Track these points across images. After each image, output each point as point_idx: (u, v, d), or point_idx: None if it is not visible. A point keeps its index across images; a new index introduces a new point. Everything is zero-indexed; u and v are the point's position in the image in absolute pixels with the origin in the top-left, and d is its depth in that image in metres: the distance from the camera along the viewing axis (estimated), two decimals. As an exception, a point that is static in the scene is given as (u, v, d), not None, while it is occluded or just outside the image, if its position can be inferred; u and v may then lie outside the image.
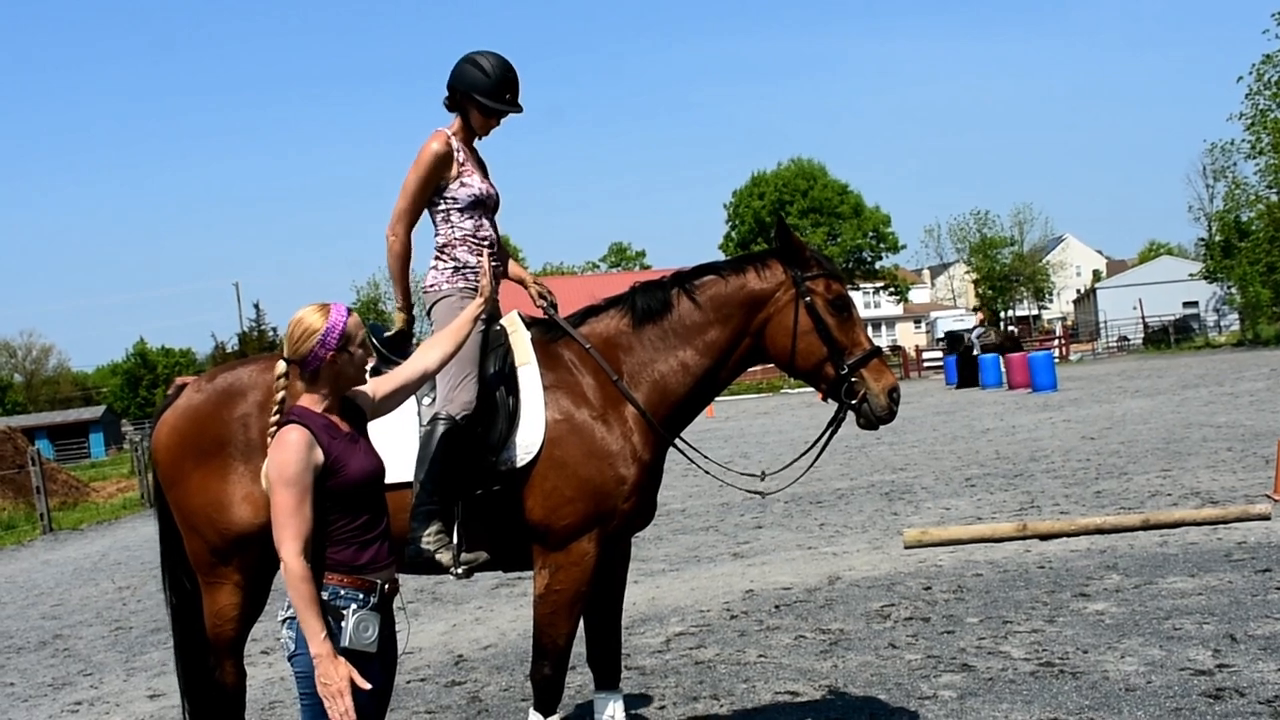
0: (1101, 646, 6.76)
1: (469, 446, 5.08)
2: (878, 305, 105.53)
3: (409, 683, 7.62)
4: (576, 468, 5.12)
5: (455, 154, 5.38)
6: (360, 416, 4.09)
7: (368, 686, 3.68)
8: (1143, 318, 64.60)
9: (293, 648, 3.79)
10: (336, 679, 3.62)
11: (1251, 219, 56.22)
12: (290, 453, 3.71)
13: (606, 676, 5.65)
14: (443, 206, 5.40)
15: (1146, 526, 9.98)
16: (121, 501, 28.07)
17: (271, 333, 73.08)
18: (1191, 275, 67.01)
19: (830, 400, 5.42)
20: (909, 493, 14.22)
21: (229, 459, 5.22)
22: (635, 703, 6.59)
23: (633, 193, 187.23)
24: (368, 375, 5.18)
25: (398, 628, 4.04)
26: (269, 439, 3.85)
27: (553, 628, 5.22)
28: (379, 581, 3.86)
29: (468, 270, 5.38)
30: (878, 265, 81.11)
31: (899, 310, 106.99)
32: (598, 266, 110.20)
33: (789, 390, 51.54)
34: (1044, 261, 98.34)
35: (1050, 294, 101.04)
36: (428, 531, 4.98)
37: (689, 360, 5.36)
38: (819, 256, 5.44)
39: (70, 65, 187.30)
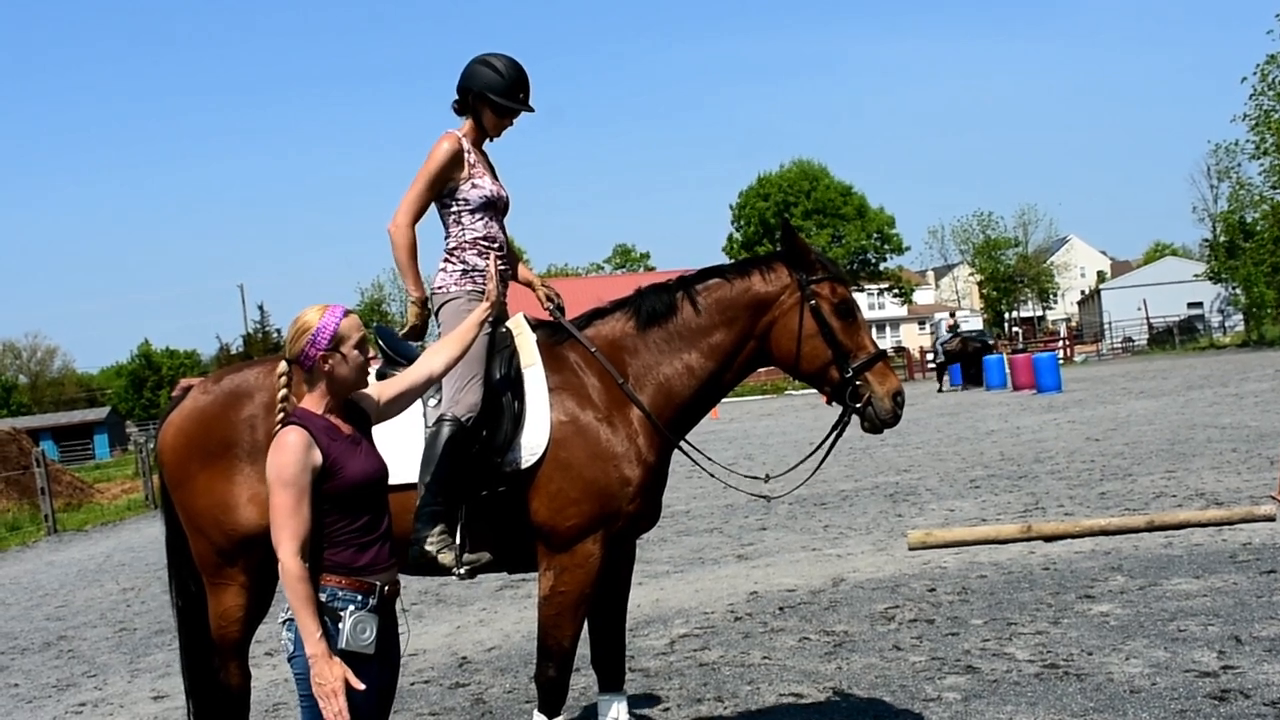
0: (1106, 648, 6.75)
1: (474, 448, 5.08)
2: (882, 307, 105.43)
3: (413, 684, 7.62)
4: (581, 469, 5.13)
5: (466, 155, 5.39)
6: (365, 420, 4.09)
7: (362, 687, 3.69)
8: (1147, 319, 64.61)
9: (291, 649, 3.80)
10: (331, 679, 3.62)
11: (1256, 220, 56.27)
12: (288, 454, 3.72)
13: (611, 678, 5.65)
14: (454, 208, 5.41)
15: (1151, 528, 9.97)
16: (126, 503, 28.08)
17: (276, 334, 73.30)
18: (1196, 276, 67.04)
19: (835, 403, 5.41)
20: (913, 494, 14.22)
21: (235, 460, 5.23)
22: (639, 704, 6.58)
23: (637, 194, 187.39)
24: (374, 378, 5.23)
25: (400, 630, 4.04)
26: (273, 440, 3.86)
27: (557, 629, 5.22)
28: (378, 583, 3.86)
29: (476, 273, 5.38)
30: (882, 267, 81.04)
31: (903, 312, 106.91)
32: (602, 268, 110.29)
33: (793, 392, 51.56)
34: (1048, 263, 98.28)
35: (1055, 295, 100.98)
36: (431, 533, 4.98)
37: (694, 363, 5.36)
38: (824, 259, 5.43)
39: (75, 66, 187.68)
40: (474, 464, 5.09)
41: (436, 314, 5.47)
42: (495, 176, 5.59)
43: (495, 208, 5.51)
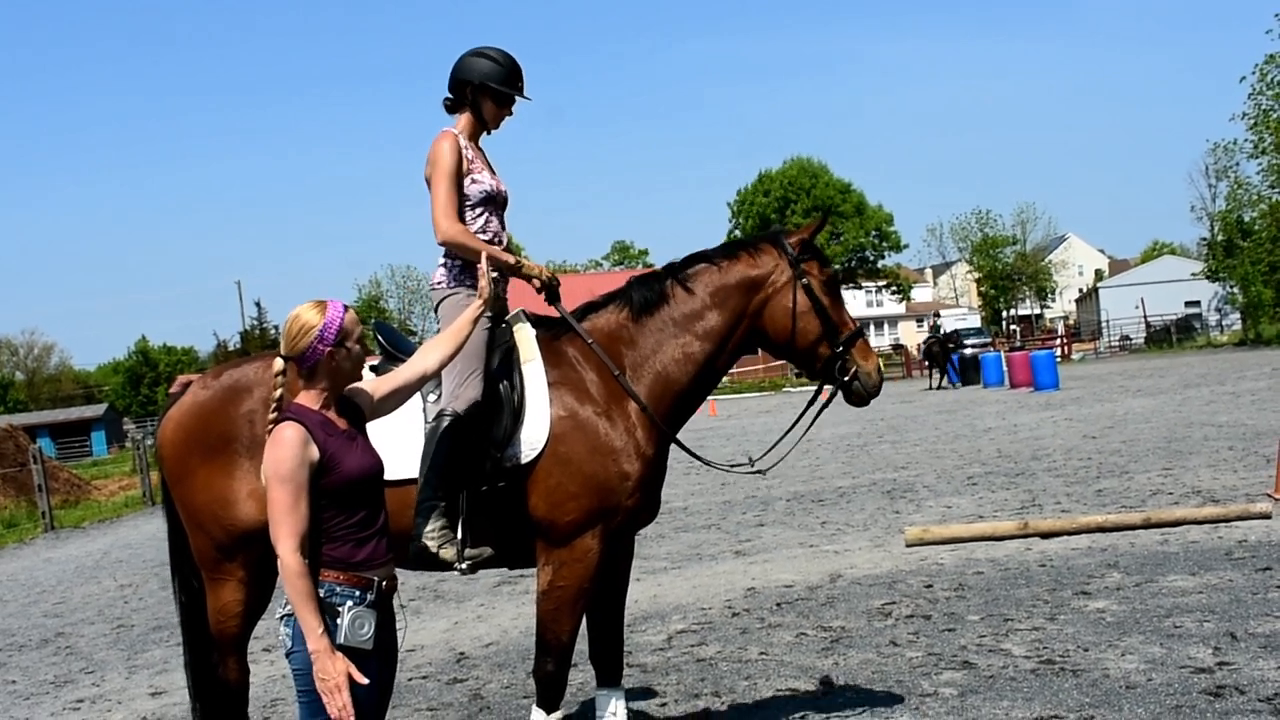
0: (1102, 644, 6.77)
1: (474, 443, 5.09)
2: (880, 304, 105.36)
3: (410, 680, 7.63)
4: (581, 464, 5.14)
5: (464, 151, 5.40)
6: (359, 415, 4.10)
7: (365, 681, 3.69)
8: (1145, 317, 64.61)
9: (290, 645, 3.80)
10: (334, 674, 3.63)
11: (1254, 219, 56.30)
12: (285, 449, 3.72)
13: (608, 673, 5.66)
14: None
15: (1148, 525, 9.99)
16: (123, 500, 28.09)
17: (273, 331, 73.19)
18: (1194, 275, 67.06)
19: (818, 380, 5.63)
20: (911, 491, 14.23)
21: (234, 455, 5.23)
22: (637, 699, 6.59)
23: (635, 192, 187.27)
24: (371, 373, 5.24)
25: (398, 625, 4.05)
26: (269, 436, 3.86)
27: (556, 624, 5.23)
28: (376, 579, 3.86)
29: (474, 269, 5.38)
30: (880, 264, 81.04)
31: (901, 309, 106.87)
32: (600, 265, 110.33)
33: (790, 389, 51.57)
34: (1046, 261, 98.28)
35: (1052, 293, 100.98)
36: (431, 528, 4.99)
37: (690, 347, 5.41)
38: (806, 240, 5.59)
39: (72, 64, 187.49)
40: (474, 459, 5.10)
41: (436, 309, 5.48)
42: (493, 171, 5.59)
43: (495, 203, 5.52)
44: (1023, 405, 26.69)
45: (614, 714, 5.55)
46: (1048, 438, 18.73)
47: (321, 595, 3.76)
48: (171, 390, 5.83)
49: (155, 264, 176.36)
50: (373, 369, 5.32)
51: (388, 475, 4.94)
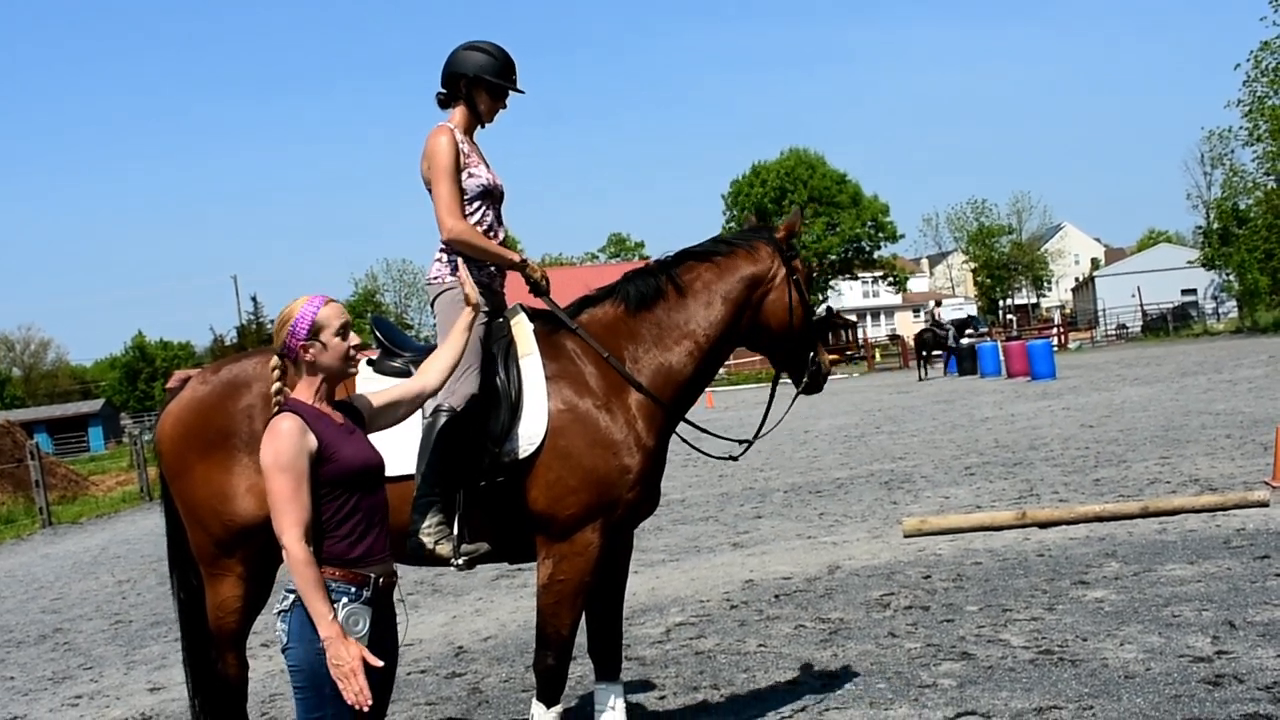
0: (1101, 634, 6.77)
1: (471, 438, 5.08)
2: (876, 295, 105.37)
3: (409, 674, 7.63)
4: (580, 457, 5.14)
5: (460, 145, 5.38)
6: (359, 418, 4.10)
7: (379, 664, 3.70)
8: (1141, 306, 64.66)
9: (285, 640, 3.81)
10: (348, 659, 3.64)
11: (1249, 206, 56.37)
12: (284, 439, 3.73)
13: (607, 667, 5.65)
14: None
15: (1145, 514, 9.99)
16: (121, 495, 28.07)
17: (270, 326, 73.12)
18: (1190, 263, 67.19)
19: (787, 370, 5.84)
20: (908, 481, 14.24)
21: (233, 450, 5.22)
22: (636, 693, 6.59)
23: (631, 183, 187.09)
24: (372, 369, 5.24)
25: (398, 620, 4.04)
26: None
27: (556, 618, 5.23)
28: (373, 575, 3.86)
29: (471, 263, 5.36)
30: (876, 255, 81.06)
31: (898, 300, 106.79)
32: (597, 257, 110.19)
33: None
34: (1042, 250, 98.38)
35: (1049, 282, 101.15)
36: (428, 524, 4.98)
37: (694, 339, 5.45)
38: (791, 236, 5.75)
39: (66, 59, 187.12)
40: (472, 454, 5.09)
41: (432, 305, 5.46)
42: (488, 165, 5.57)
43: (492, 196, 5.50)
44: (1020, 395, 26.69)
45: (613, 708, 5.54)
46: (1045, 427, 18.74)
47: None
48: (169, 386, 5.85)
49: (152, 259, 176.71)
50: (370, 363, 5.33)
51: (389, 471, 4.96)
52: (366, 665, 3.69)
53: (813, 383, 5.84)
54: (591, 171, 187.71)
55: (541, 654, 5.27)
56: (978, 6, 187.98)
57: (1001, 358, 35.73)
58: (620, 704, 5.58)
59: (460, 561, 5.04)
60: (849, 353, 73.05)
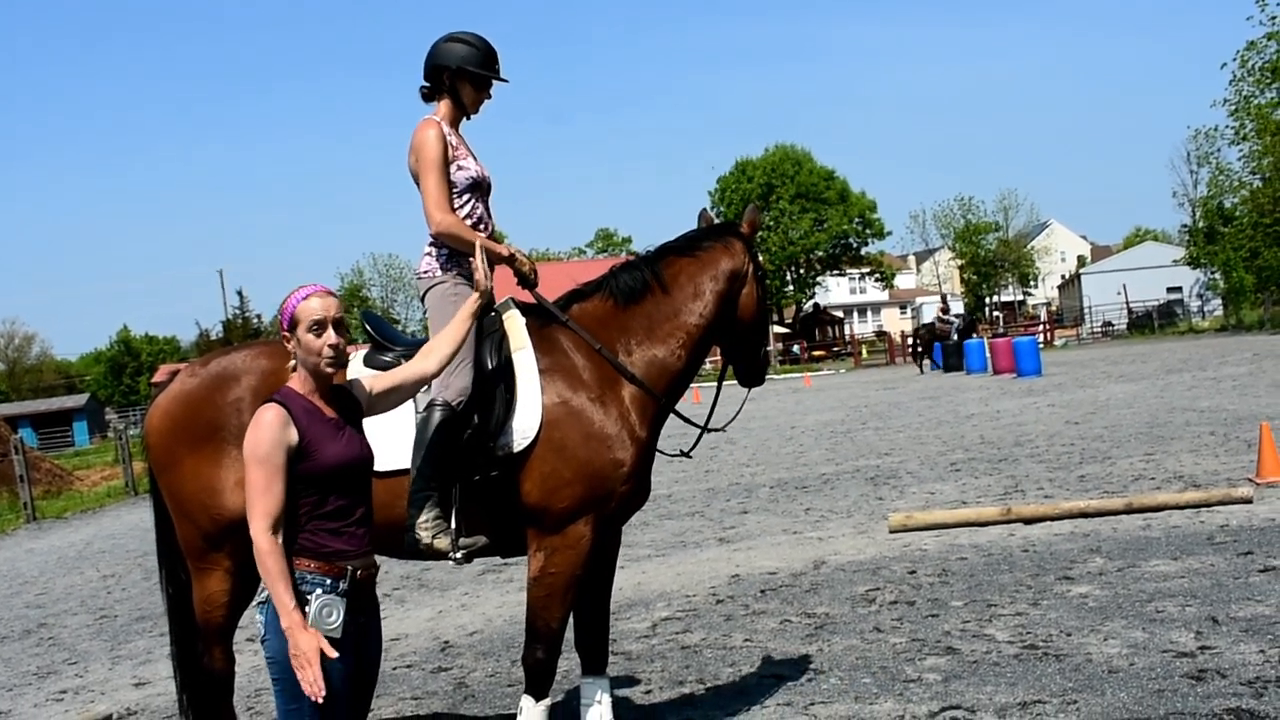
0: (1085, 629, 6.79)
1: (466, 433, 5.09)
2: (863, 291, 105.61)
3: (395, 669, 7.62)
4: (575, 450, 5.15)
5: (448, 137, 5.38)
6: (356, 408, 4.09)
7: (334, 654, 3.69)
8: (1127, 303, 64.90)
9: (263, 632, 3.82)
10: (305, 649, 3.64)
11: (1235, 205, 56.58)
12: (262, 431, 3.75)
13: (594, 661, 5.66)
14: None
15: (1130, 510, 10.03)
16: (106, 490, 27.96)
17: (256, 320, 72.95)
18: (1175, 261, 67.39)
19: (737, 363, 5.89)
20: (894, 477, 14.26)
21: (222, 444, 5.21)
22: (622, 687, 6.60)
23: (619, 179, 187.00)
24: (362, 363, 5.24)
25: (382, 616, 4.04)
26: None
27: (546, 611, 5.23)
28: (350, 568, 3.86)
29: (461, 257, 5.36)
30: (864, 251, 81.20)
31: (885, 296, 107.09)
32: (584, 252, 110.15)
33: (773, 376, 51.61)
34: (1029, 247, 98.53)
35: (1035, 279, 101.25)
36: (425, 518, 4.98)
37: (683, 332, 5.48)
38: (753, 234, 5.83)
39: (51, 53, 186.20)
40: (466, 448, 5.10)
41: (422, 298, 5.45)
42: (476, 158, 5.57)
43: (480, 189, 5.50)
44: (1005, 391, 26.76)
45: (599, 702, 5.55)
46: (1030, 424, 18.79)
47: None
48: (156, 380, 5.84)
49: (137, 253, 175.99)
50: (363, 359, 5.34)
51: (380, 466, 4.96)
52: (333, 661, 3.70)
53: (758, 376, 5.95)
54: (579, 166, 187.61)
55: (531, 647, 5.27)
56: (966, 3, 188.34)
57: (988, 354, 35.82)
58: (606, 698, 5.58)
59: (459, 555, 5.04)
60: (835, 349, 73.19)
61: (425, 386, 5.13)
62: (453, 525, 5.08)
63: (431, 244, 5.41)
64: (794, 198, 76.71)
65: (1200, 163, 64.57)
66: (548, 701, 5.31)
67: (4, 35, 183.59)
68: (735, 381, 6.05)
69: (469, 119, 5.59)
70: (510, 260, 5.41)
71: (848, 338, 75.81)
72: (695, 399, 24.68)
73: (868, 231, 79.76)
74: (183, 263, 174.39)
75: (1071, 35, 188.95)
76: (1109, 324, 65.37)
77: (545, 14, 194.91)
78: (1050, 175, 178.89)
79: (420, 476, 5.00)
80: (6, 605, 12.63)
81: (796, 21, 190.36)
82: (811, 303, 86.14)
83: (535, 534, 5.22)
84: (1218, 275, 59.42)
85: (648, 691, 6.59)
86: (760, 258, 5.76)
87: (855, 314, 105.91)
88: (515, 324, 5.39)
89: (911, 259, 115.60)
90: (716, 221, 5.89)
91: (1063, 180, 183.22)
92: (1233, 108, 50.84)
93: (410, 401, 5.13)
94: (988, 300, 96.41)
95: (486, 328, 5.32)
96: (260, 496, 3.71)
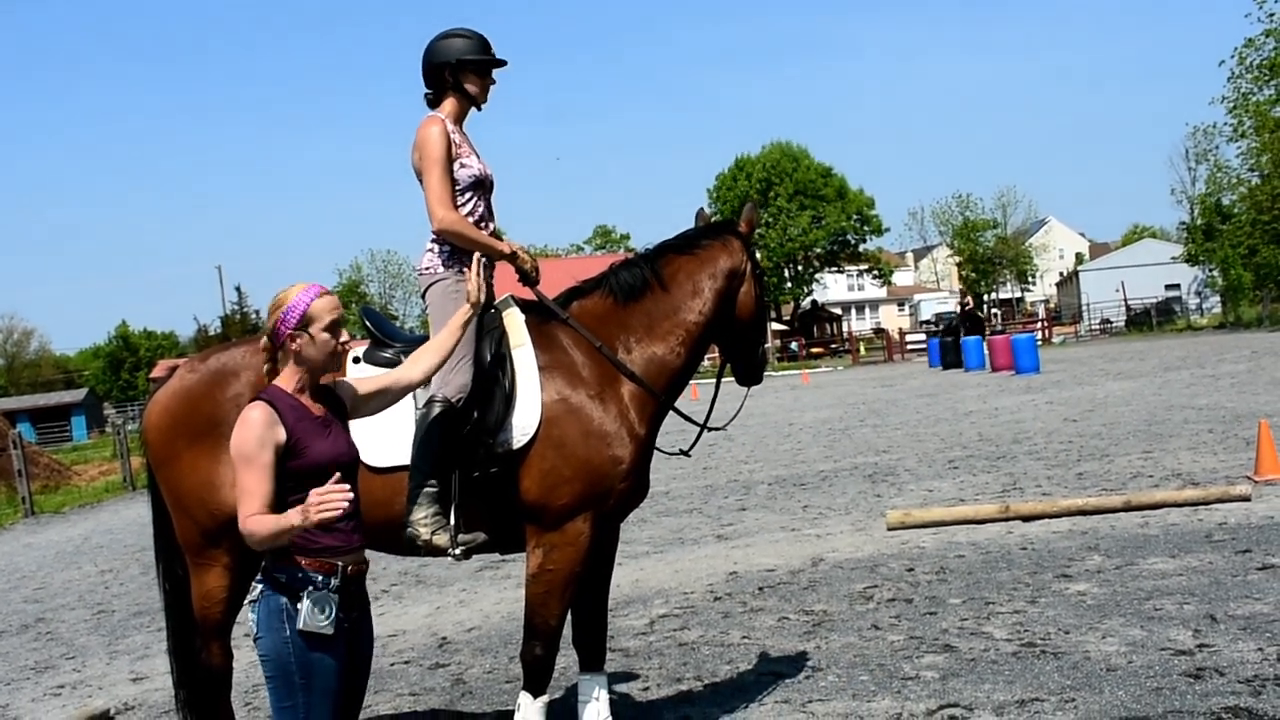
0: (1083, 627, 6.80)
1: (465, 429, 5.09)
2: (861, 288, 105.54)
3: (393, 665, 7.62)
4: (574, 447, 5.15)
5: (452, 135, 5.37)
6: (340, 407, 4.09)
7: (346, 489, 3.66)
8: (1125, 300, 64.90)
9: (256, 630, 3.81)
10: (314, 501, 3.59)
11: (1233, 202, 56.61)
12: (249, 430, 3.75)
13: (591, 658, 5.67)
14: None
15: (1128, 508, 10.03)
16: (104, 485, 27.97)
17: (254, 315, 72.89)
18: (1174, 258, 67.35)
19: (736, 361, 5.90)
20: (892, 475, 14.27)
21: (221, 439, 5.19)
22: (619, 684, 6.60)
23: (617, 175, 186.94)
24: (363, 359, 5.24)
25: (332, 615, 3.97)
26: None
27: (545, 608, 5.23)
28: (340, 564, 3.85)
29: (462, 254, 5.36)
30: (861, 248, 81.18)
31: (883, 293, 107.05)
32: (582, 249, 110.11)
33: (771, 373, 51.61)
34: (1027, 244, 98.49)
35: (1033, 276, 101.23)
36: (423, 515, 4.98)
37: (683, 329, 5.49)
38: (751, 232, 5.84)
39: (50, 50, 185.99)
40: (466, 445, 5.10)
41: (423, 295, 5.44)
42: (479, 155, 5.56)
43: (483, 186, 5.49)
44: (1003, 389, 26.76)
45: (596, 699, 5.55)
46: (1028, 421, 18.79)
47: (283, 580, 3.78)
48: (154, 375, 5.83)
49: (136, 248, 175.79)
50: (363, 355, 5.34)
51: (380, 462, 4.97)
52: (325, 657, 3.75)
53: (756, 374, 5.96)
54: (578, 163, 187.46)
55: (529, 644, 5.27)
56: (963, 1, 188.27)
57: (986, 351, 35.80)
58: (604, 695, 5.59)
59: (458, 552, 5.04)
60: (833, 346, 73.19)
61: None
62: (451, 521, 5.07)
63: (433, 241, 5.40)
64: (792, 195, 76.68)
65: (1199, 160, 64.73)
66: (546, 698, 5.31)
67: (4, 32, 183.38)
68: (734, 380, 6.05)
69: (480, 109, 5.57)
70: (512, 257, 5.41)
71: (846, 335, 75.76)
72: (694, 396, 24.67)
73: (866, 228, 79.74)
74: (181, 258, 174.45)
75: (1069, 32, 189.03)
76: (1107, 321, 65.37)
77: (544, 14, 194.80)
78: (1048, 172, 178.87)
79: (419, 473, 5.00)
80: (4, 600, 12.63)
81: (795, 19, 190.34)
82: (809, 300, 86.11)
83: (534, 531, 5.22)
84: (1216, 272, 59.43)
85: (645, 688, 6.59)
86: (758, 255, 5.77)
87: (853, 311, 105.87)
88: (515, 321, 5.39)
89: (910, 256, 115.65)
90: (714, 220, 5.90)
91: (1061, 177, 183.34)
92: (1231, 105, 50.90)
93: (410, 397, 5.15)
94: (986, 297, 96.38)
95: (487, 325, 5.32)
96: (246, 496, 3.72)
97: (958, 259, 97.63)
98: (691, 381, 5.78)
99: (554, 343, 5.37)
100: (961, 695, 5.83)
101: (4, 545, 18.44)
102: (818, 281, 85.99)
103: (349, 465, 3.98)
